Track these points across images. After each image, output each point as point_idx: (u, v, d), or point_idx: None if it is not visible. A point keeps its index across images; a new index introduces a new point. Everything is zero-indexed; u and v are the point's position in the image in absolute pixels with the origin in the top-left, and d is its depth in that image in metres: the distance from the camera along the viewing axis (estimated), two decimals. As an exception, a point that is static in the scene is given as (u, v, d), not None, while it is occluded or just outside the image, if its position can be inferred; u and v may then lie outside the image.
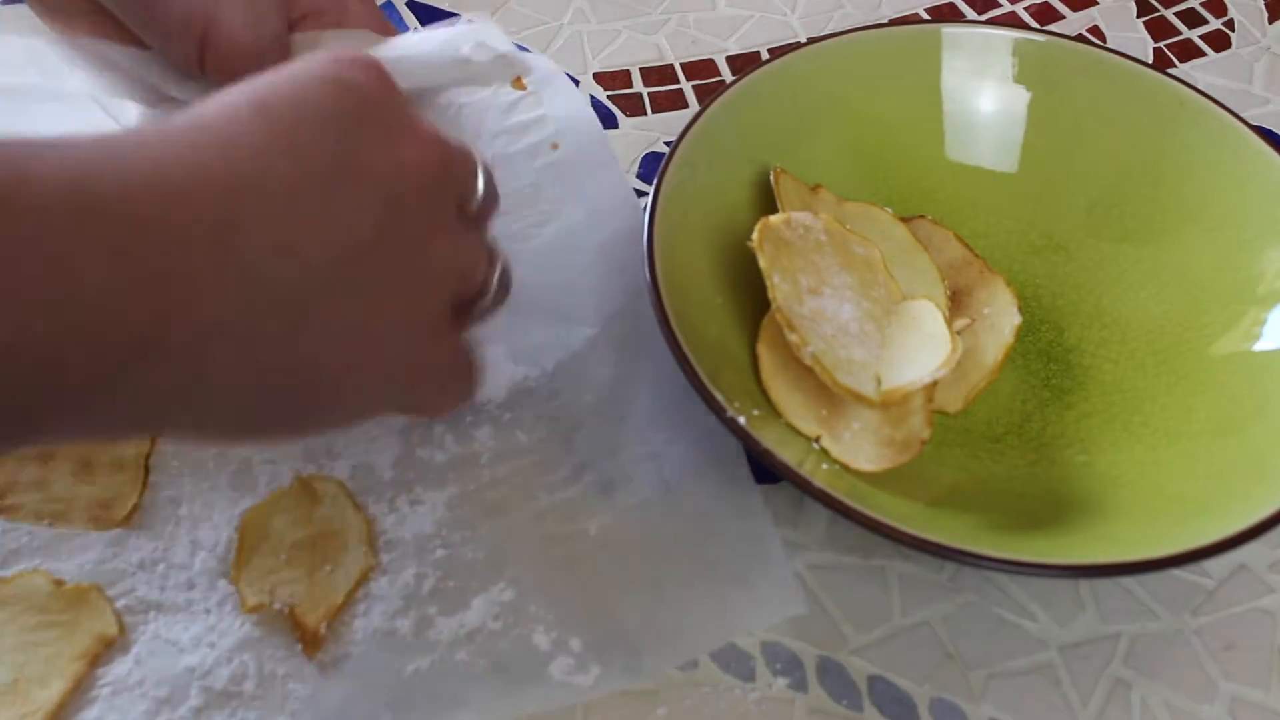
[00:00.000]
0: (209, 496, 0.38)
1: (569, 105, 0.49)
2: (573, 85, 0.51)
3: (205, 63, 0.37)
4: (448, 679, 0.35)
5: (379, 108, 0.29)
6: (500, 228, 0.44)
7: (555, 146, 0.47)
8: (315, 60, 0.29)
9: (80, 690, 0.34)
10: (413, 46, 0.39)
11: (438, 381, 0.32)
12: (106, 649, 0.35)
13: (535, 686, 0.35)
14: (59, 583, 0.36)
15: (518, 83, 0.43)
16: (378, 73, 0.29)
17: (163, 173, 0.25)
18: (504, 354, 0.41)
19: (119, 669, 0.34)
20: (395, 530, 0.38)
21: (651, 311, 0.37)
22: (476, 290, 0.32)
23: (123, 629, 0.35)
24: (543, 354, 0.42)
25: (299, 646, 0.35)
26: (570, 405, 0.41)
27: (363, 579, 0.36)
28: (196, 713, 0.34)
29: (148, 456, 0.38)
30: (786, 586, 0.37)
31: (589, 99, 0.51)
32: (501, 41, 0.38)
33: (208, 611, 0.36)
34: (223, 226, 0.25)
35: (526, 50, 0.53)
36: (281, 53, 0.38)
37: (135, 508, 0.37)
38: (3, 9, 0.52)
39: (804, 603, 0.37)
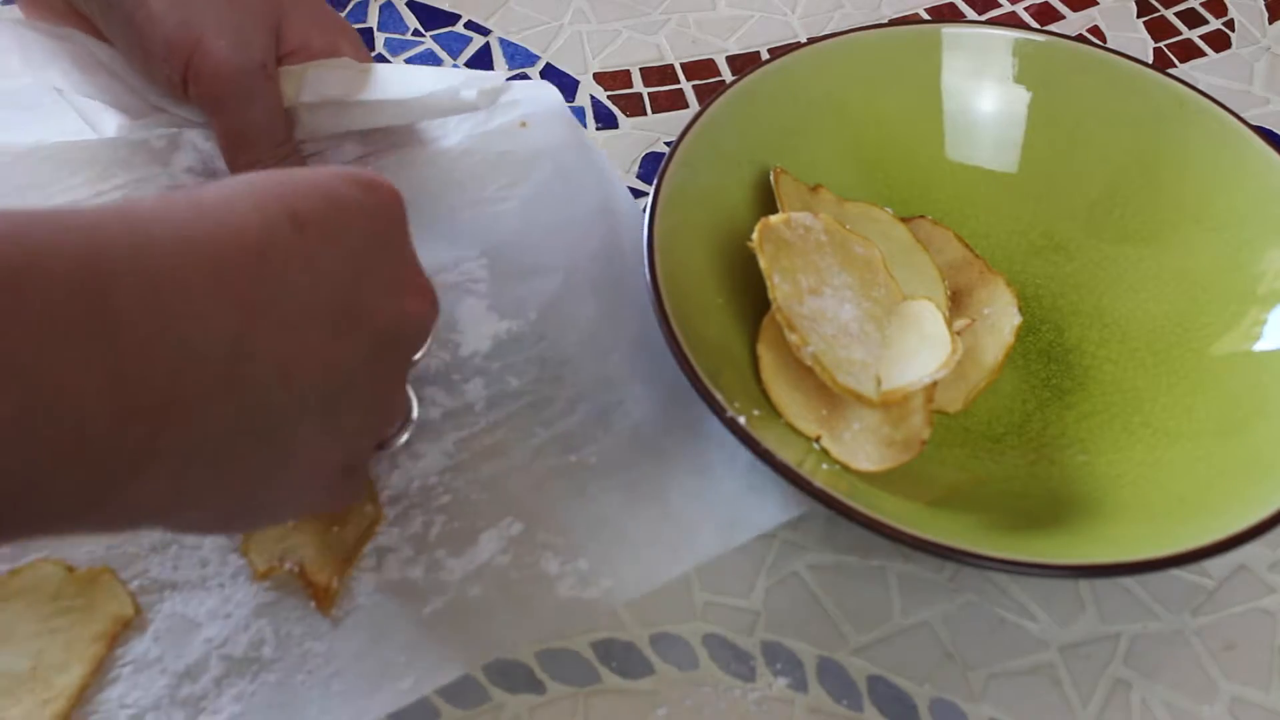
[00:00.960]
0: None
1: (537, 91, 0.51)
2: (545, 82, 0.52)
3: (188, 86, 0.37)
4: (461, 615, 0.36)
5: (393, 245, 0.30)
6: (473, 192, 0.45)
7: (524, 125, 0.48)
8: (345, 178, 0.29)
9: (101, 671, 0.34)
10: (405, 88, 0.40)
11: (345, 496, 0.33)
12: (124, 629, 0.35)
13: (546, 608, 0.36)
14: (70, 569, 0.36)
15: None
16: (398, 203, 0.30)
17: (184, 280, 0.24)
18: (486, 307, 0.43)
19: (138, 647, 0.35)
20: (399, 484, 0.38)
21: (621, 250, 0.39)
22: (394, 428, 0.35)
23: (138, 609, 0.35)
24: (524, 305, 0.43)
25: (313, 605, 0.35)
26: (557, 345, 0.42)
27: (370, 533, 0.37)
28: (217, 682, 0.34)
29: None
30: (784, 499, 0.38)
31: (561, 91, 0.52)
32: (498, 81, 0.41)
33: (222, 585, 0.36)
34: (237, 350, 0.25)
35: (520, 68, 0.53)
36: (268, 82, 0.38)
37: None
38: (2, 9, 0.52)
39: (807, 500, 0.36)
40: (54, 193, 0.44)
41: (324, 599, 0.35)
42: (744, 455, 0.38)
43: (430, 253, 0.34)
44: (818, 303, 0.39)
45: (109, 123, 0.44)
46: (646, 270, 0.38)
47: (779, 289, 0.38)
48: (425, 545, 0.37)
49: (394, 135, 0.46)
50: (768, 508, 0.38)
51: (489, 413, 0.40)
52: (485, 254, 0.44)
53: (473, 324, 0.42)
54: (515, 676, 0.35)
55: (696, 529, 0.38)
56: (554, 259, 0.44)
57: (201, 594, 0.36)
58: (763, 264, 0.38)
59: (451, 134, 0.47)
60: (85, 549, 0.36)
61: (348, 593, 0.36)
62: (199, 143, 0.44)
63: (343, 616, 0.35)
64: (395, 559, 0.37)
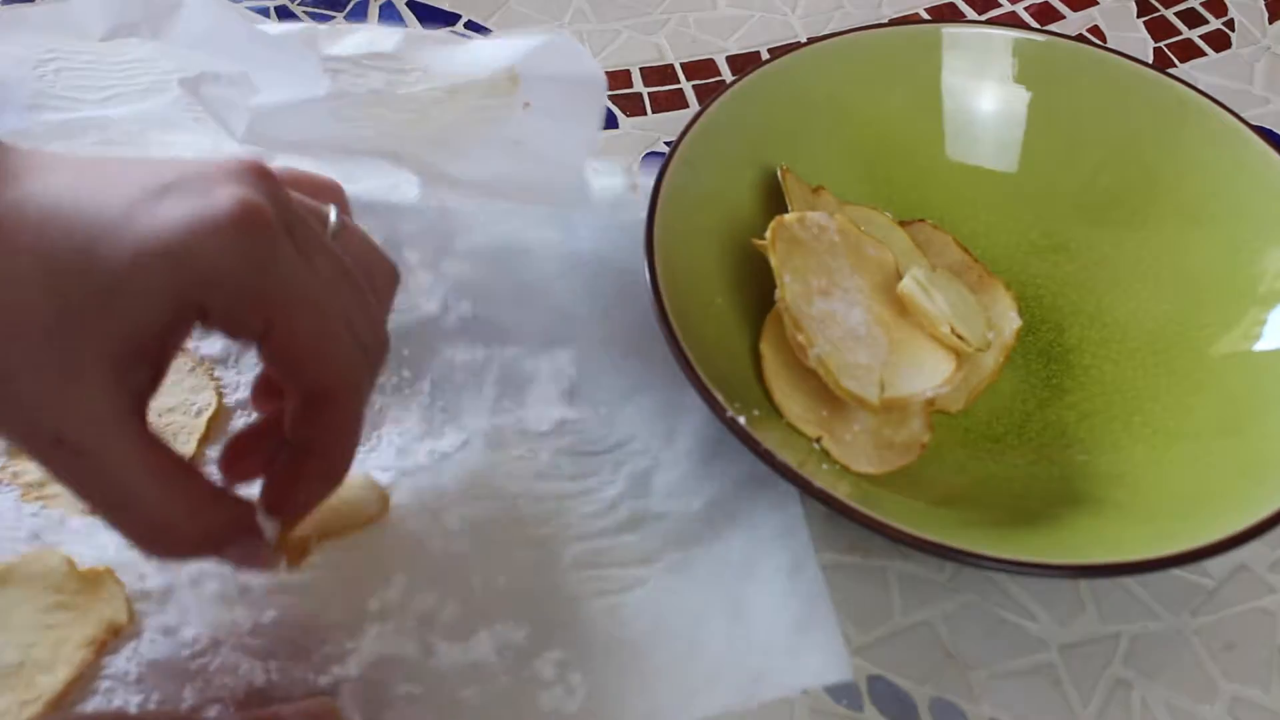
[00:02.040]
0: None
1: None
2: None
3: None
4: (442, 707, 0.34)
5: None
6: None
7: (527, 105, 0.48)
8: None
9: (83, 680, 0.33)
10: None
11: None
12: (114, 638, 0.34)
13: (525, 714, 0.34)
14: (72, 563, 0.35)
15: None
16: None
17: None
18: (555, 394, 0.41)
19: (121, 663, 0.34)
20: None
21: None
22: None
23: (133, 616, 0.35)
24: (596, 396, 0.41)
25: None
26: (610, 435, 0.40)
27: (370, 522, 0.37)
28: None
29: (192, 460, 0.38)
30: (833, 652, 0.35)
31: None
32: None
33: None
34: None
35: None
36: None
37: None
38: (2, 9, 0.52)
39: (849, 668, 0.35)
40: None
41: (294, 553, 0.34)
42: (789, 610, 0.36)
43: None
44: (827, 304, 0.39)
45: (239, 123, 0.45)
46: (646, 269, 0.38)
47: (789, 289, 0.38)
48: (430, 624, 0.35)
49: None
50: (803, 667, 0.35)
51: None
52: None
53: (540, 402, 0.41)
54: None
55: (718, 676, 0.35)
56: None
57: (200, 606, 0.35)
58: (774, 262, 0.38)
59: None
60: (98, 541, 0.36)
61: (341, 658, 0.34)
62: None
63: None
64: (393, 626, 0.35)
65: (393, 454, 0.39)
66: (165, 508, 0.28)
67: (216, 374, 0.40)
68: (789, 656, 0.35)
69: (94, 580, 0.35)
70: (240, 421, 0.39)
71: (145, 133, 0.47)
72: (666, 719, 0.34)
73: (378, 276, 0.33)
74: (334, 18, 0.54)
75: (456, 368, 0.41)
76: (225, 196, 0.27)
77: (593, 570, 0.37)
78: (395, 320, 0.40)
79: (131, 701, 0.33)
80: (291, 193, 0.30)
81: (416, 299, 0.42)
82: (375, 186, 0.46)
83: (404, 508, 0.37)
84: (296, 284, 0.28)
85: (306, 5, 0.55)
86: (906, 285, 0.39)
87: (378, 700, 0.34)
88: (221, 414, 0.39)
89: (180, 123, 0.47)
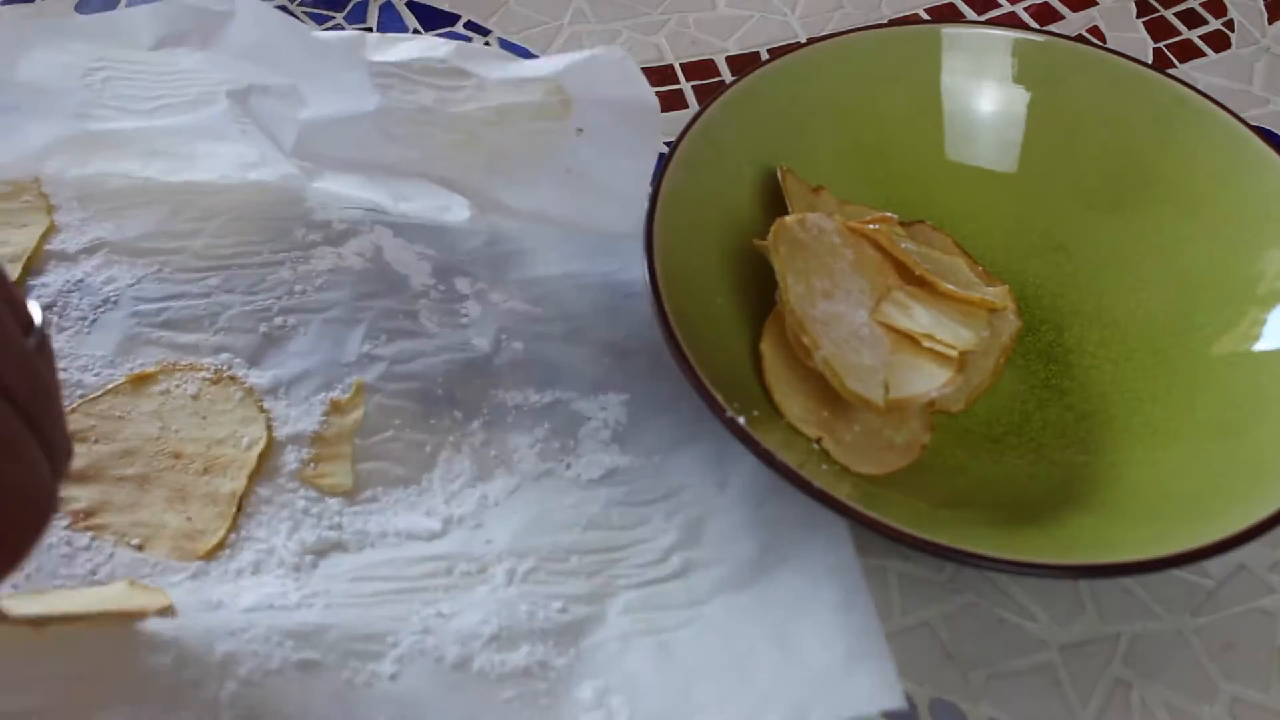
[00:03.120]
0: (292, 540, 0.37)
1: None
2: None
3: None
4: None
5: None
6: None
7: (580, 132, 0.47)
8: None
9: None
10: None
11: None
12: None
13: None
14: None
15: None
16: None
17: None
18: (607, 438, 0.40)
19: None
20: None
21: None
22: None
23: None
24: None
25: None
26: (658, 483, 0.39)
27: None
28: None
29: (242, 496, 0.37)
30: (885, 681, 0.34)
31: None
32: None
33: None
34: None
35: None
36: None
37: (220, 544, 0.36)
38: (2, 9, 0.52)
39: (901, 695, 0.33)
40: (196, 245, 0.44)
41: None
42: (841, 643, 0.34)
43: None
44: (830, 306, 0.39)
45: (288, 137, 0.45)
46: (646, 270, 0.38)
47: (793, 290, 0.38)
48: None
49: None
50: (854, 694, 0.33)
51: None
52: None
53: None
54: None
55: (766, 706, 0.33)
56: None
57: None
58: (776, 265, 0.38)
59: None
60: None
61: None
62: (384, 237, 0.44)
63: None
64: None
65: (441, 500, 0.38)
66: None
67: (266, 405, 0.39)
68: (839, 684, 0.34)
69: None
70: (291, 456, 0.38)
71: (192, 143, 0.47)
72: None
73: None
74: (333, 18, 0.54)
75: (508, 409, 0.40)
76: None
77: (642, 614, 0.36)
78: (448, 359, 0.41)
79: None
80: None
81: (469, 336, 0.42)
82: (426, 206, 0.45)
83: (451, 556, 0.37)
84: None
85: (306, 5, 0.55)
86: (885, 312, 0.40)
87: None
88: (272, 448, 0.38)
89: (228, 134, 0.46)
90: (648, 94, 0.47)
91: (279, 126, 0.46)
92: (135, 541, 0.36)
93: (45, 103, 0.47)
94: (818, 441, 0.38)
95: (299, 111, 0.47)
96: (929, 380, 0.38)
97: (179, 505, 0.37)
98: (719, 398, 0.35)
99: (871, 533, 0.33)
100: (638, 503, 0.38)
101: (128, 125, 0.47)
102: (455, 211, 0.45)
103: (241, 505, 0.37)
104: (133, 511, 0.37)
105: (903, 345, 0.39)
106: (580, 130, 0.47)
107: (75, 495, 0.37)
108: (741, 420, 0.35)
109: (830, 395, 0.38)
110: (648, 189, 0.41)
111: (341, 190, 0.45)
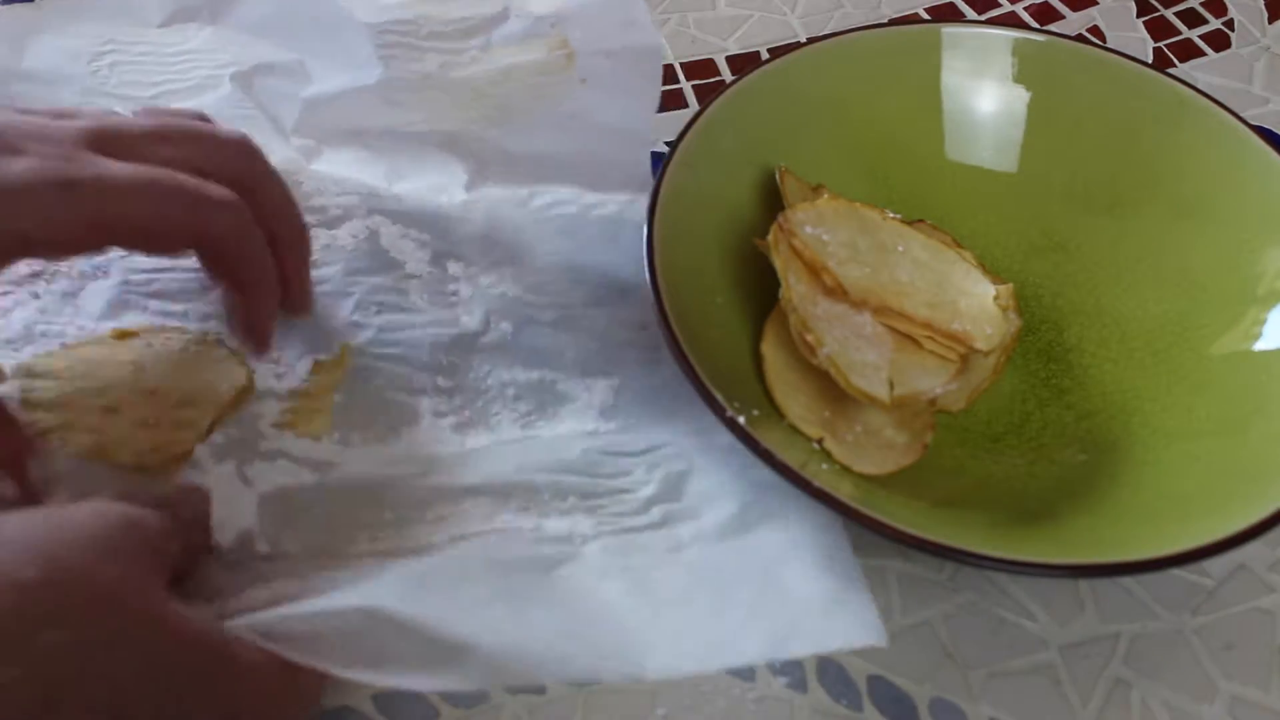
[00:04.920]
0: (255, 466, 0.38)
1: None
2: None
3: None
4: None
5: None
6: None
7: (583, 82, 0.48)
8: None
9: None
10: None
11: None
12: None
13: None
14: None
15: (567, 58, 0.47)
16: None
17: None
18: (591, 416, 0.40)
19: None
20: None
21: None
22: None
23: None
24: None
25: None
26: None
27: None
28: None
29: (214, 423, 0.37)
30: (867, 619, 0.33)
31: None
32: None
33: None
34: None
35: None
36: None
37: (186, 454, 0.36)
38: (2, 9, 0.52)
39: (883, 634, 0.33)
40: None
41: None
42: (822, 584, 0.34)
43: None
44: (832, 304, 0.39)
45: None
46: (646, 270, 0.38)
47: (795, 290, 0.38)
48: None
49: None
50: (835, 628, 0.33)
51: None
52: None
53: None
54: (515, 677, 0.35)
55: (746, 631, 0.33)
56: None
57: None
58: (778, 264, 0.38)
59: None
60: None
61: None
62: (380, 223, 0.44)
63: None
64: None
65: (419, 449, 0.38)
66: None
67: (251, 365, 0.39)
68: (818, 620, 0.34)
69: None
70: (272, 405, 0.38)
71: None
72: (691, 666, 0.33)
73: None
74: None
75: (492, 383, 0.40)
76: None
77: (620, 556, 0.35)
78: (436, 332, 0.41)
79: None
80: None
81: (458, 314, 0.42)
82: (421, 186, 0.46)
83: (426, 489, 0.37)
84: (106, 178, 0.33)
85: None
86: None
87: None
88: (252, 391, 0.38)
89: (231, 119, 0.46)
90: (653, 38, 0.48)
91: (281, 106, 0.47)
92: (95, 448, 0.36)
93: (49, 92, 0.47)
94: (819, 441, 0.38)
95: (303, 89, 0.47)
96: (932, 378, 0.38)
97: (147, 429, 0.37)
98: (719, 398, 0.35)
99: (873, 533, 0.33)
100: (618, 454, 0.38)
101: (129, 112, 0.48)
102: (451, 192, 0.45)
103: (212, 429, 0.37)
104: (99, 432, 0.36)
105: (905, 344, 0.39)
106: (583, 80, 0.48)
107: (42, 418, 0.36)
108: (742, 420, 0.35)
109: (831, 395, 0.38)
110: (649, 123, 0.43)
111: (338, 172, 0.46)
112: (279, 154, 0.45)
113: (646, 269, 0.38)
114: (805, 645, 0.33)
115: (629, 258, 0.44)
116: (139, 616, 0.27)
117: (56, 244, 0.33)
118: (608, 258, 0.44)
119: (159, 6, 0.51)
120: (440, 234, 0.44)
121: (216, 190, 0.35)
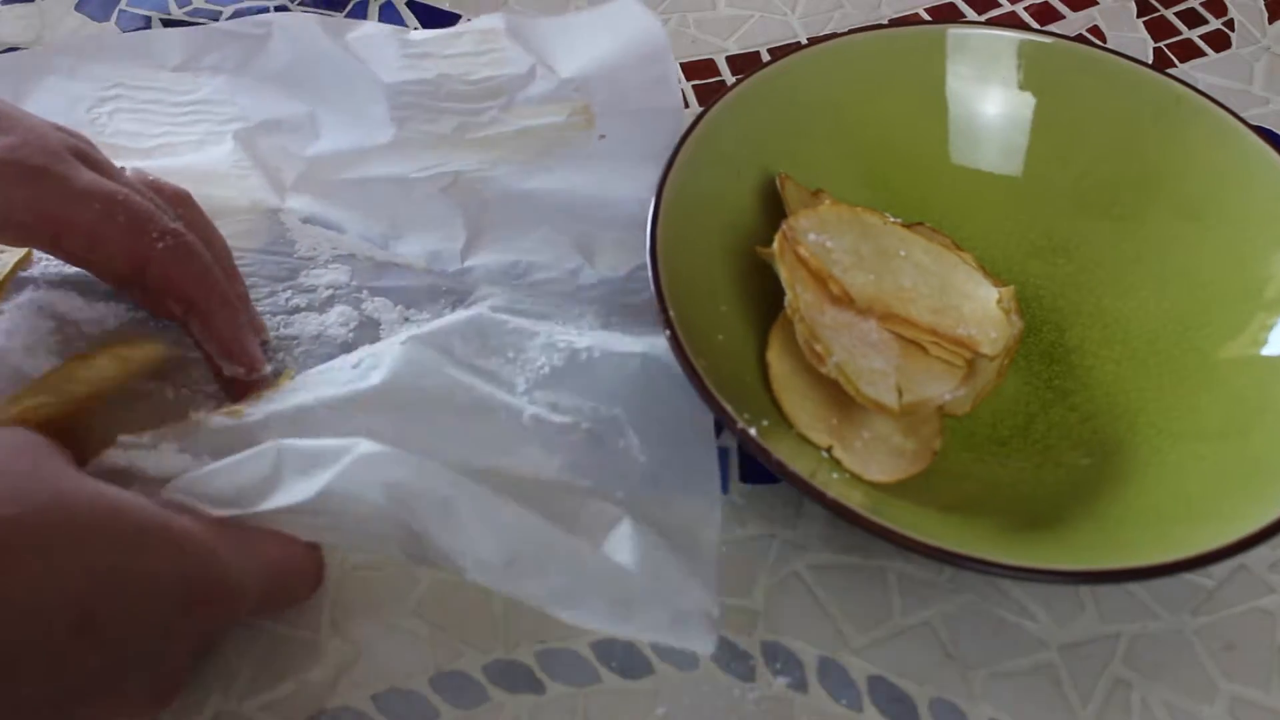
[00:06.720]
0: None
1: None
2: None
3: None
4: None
5: None
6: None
7: (602, 138, 0.48)
8: None
9: None
10: None
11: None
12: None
13: None
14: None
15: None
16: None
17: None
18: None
19: None
20: None
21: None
22: None
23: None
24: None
25: None
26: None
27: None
28: None
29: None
30: (703, 627, 0.33)
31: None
32: None
33: None
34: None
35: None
36: None
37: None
38: (2, 9, 0.52)
39: (713, 644, 0.33)
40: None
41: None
42: (675, 578, 0.34)
43: None
44: (838, 312, 0.39)
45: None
46: (650, 277, 0.37)
47: (802, 298, 0.38)
48: None
49: None
50: (672, 619, 0.33)
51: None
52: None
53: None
54: (515, 676, 0.35)
55: (580, 590, 0.33)
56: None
57: None
58: (783, 274, 0.38)
59: None
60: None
61: None
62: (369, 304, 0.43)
63: None
64: None
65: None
66: None
67: None
68: (658, 608, 0.33)
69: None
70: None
71: (185, 186, 0.44)
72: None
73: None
74: (334, 17, 0.54)
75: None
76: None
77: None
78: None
79: None
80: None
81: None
82: (416, 250, 0.45)
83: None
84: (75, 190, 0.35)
85: (306, 5, 0.55)
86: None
87: None
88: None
89: (227, 178, 0.45)
90: (674, 97, 0.48)
91: (284, 163, 0.46)
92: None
93: None
94: (828, 450, 0.38)
95: (309, 146, 0.47)
96: (940, 384, 0.38)
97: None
98: (730, 410, 0.35)
99: (885, 541, 0.33)
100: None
101: (123, 165, 0.47)
102: (445, 260, 0.44)
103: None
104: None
105: (911, 350, 0.39)
106: (602, 136, 0.48)
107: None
108: (753, 431, 0.35)
109: (837, 402, 0.38)
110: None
111: (332, 233, 0.45)
112: (270, 210, 0.45)
113: (650, 276, 0.37)
114: (639, 630, 0.33)
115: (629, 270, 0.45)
116: (60, 497, 0.28)
117: (6, 223, 0.35)
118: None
119: (181, 47, 0.50)
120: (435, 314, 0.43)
121: (168, 216, 0.38)
